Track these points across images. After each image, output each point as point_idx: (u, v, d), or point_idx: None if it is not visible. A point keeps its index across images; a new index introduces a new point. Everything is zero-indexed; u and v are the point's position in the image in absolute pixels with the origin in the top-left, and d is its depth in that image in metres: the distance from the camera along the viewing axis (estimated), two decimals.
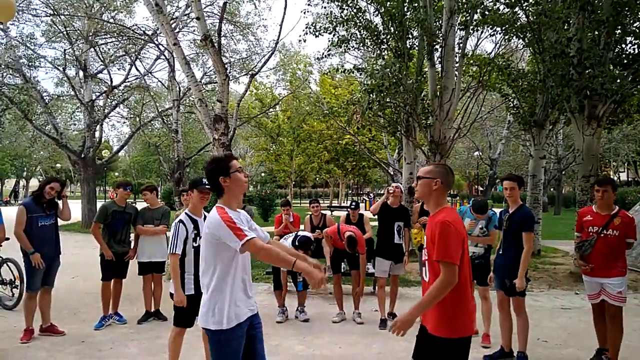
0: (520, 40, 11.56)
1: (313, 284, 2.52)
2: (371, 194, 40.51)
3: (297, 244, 5.84)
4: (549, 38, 9.24)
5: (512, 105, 12.30)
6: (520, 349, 4.57)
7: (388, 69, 10.07)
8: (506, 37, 11.11)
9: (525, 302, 4.69)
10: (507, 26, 9.98)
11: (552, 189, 34.12)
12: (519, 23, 9.99)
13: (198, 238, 3.96)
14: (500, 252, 4.71)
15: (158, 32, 16.52)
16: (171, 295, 4.12)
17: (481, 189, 30.86)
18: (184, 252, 4.05)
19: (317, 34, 11.77)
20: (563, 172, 28.84)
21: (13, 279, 6.51)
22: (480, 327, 5.34)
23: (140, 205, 6.44)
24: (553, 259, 11.16)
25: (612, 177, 40.01)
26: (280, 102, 27.92)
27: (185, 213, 4.19)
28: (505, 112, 18.80)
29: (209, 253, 2.71)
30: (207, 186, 4.05)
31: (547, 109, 10.98)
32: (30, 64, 17.47)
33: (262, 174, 51.61)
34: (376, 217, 6.28)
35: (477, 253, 5.29)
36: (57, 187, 5.27)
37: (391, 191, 6.14)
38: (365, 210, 24.48)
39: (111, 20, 17.89)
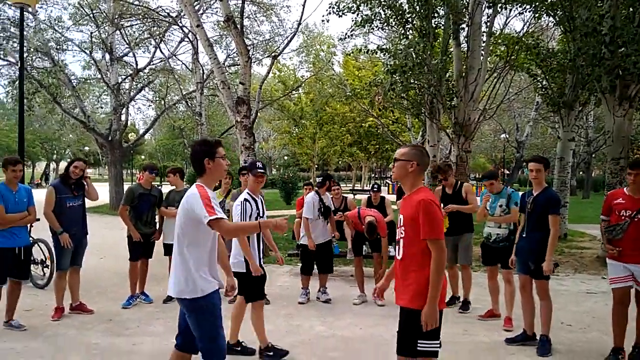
0: (551, 18, 11.18)
1: (279, 227, 2.84)
2: (397, 179, 40.30)
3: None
4: (581, 15, 8.91)
5: (540, 85, 11.98)
6: (543, 332, 4.50)
7: (412, 49, 9.91)
8: (536, 15, 10.74)
9: (550, 286, 4.61)
10: (537, 3, 9.66)
11: (581, 172, 33.31)
12: (549, 0, 9.65)
13: (259, 217, 4.30)
14: (524, 235, 4.60)
15: (182, 14, 16.56)
16: (235, 274, 4.22)
17: (507, 172, 30.33)
18: None
19: (340, 13, 11.61)
20: (593, 155, 28.08)
21: (44, 259, 6.73)
22: (502, 311, 5.31)
23: (166, 188, 6.56)
24: (580, 243, 10.95)
25: None
26: (303, 85, 27.78)
27: (247, 193, 4.41)
28: (533, 93, 18.31)
29: (184, 225, 2.87)
30: (260, 170, 4.39)
31: (577, 89, 10.65)
32: (58, 47, 17.78)
33: (285, 157, 51.81)
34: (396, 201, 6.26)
35: (500, 235, 5.23)
36: (81, 166, 5.41)
37: None
38: (388, 193, 24.36)
39: (136, 2, 18.00)
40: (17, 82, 16.14)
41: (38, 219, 5.28)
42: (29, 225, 5.30)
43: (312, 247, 6.07)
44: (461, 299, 5.92)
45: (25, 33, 7.40)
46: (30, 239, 5.33)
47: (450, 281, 5.91)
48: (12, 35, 16.06)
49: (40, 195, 5.38)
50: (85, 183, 5.51)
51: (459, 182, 5.97)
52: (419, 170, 2.86)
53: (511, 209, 5.16)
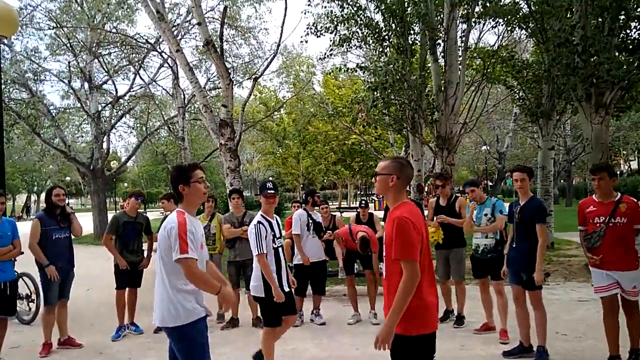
0: (523, 31, 11.47)
1: (225, 310, 3.10)
2: (380, 194, 40.43)
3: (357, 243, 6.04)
4: (552, 27, 9.16)
5: (517, 97, 12.22)
6: (540, 343, 4.51)
7: (391, 66, 10.04)
8: (509, 28, 11.02)
9: (542, 295, 4.62)
10: (509, 17, 9.91)
11: (562, 181, 33.86)
12: (521, 13, 9.91)
13: (274, 238, 4.28)
14: (514, 246, 4.62)
15: (160, 39, 16.59)
16: (255, 298, 4.34)
17: (490, 183, 30.69)
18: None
19: (318, 34, 11.77)
20: (573, 163, 28.60)
21: (29, 293, 6.55)
22: (497, 323, 5.30)
23: (152, 215, 6.48)
24: (567, 251, 11.05)
25: (619, 165, 39.61)
26: (284, 105, 27.93)
27: (260, 215, 4.36)
28: (511, 105, 18.67)
29: (166, 251, 2.82)
30: (270, 191, 4.31)
31: (553, 99, 10.88)
32: (35, 77, 17.64)
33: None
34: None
35: (488, 246, 5.24)
36: (61, 192, 5.32)
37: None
38: (375, 210, 24.40)
39: (113, 31, 18.00)
40: None
41: (22, 252, 5.15)
42: (13, 259, 5.17)
43: (306, 262, 5.94)
44: (455, 313, 5.90)
45: (1, 65, 7.31)
46: (15, 272, 5.20)
47: (443, 296, 5.89)
48: None
49: (23, 228, 5.25)
50: (71, 216, 5.40)
51: (454, 196, 5.96)
52: (400, 184, 2.73)
53: (497, 217, 5.20)
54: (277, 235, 4.33)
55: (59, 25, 17.04)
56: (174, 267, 2.80)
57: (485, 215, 5.27)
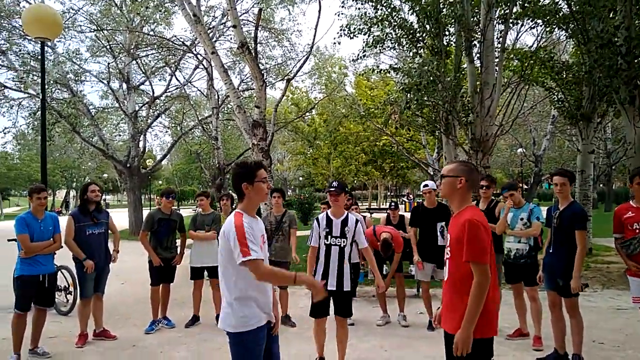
0: (563, 32, 11.15)
1: (315, 293, 2.78)
2: (410, 195, 40.02)
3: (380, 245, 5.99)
4: (594, 27, 8.88)
5: (556, 99, 11.89)
6: (575, 352, 4.37)
7: (425, 67, 9.93)
8: (548, 28, 10.74)
9: (579, 302, 4.48)
10: (548, 17, 9.66)
11: (601, 185, 32.71)
12: (561, 13, 9.64)
13: (329, 236, 4.41)
14: (551, 251, 4.47)
15: (196, 42, 16.92)
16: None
17: (526, 187, 29.95)
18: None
19: (351, 35, 11.75)
20: (613, 167, 27.61)
21: (67, 286, 6.79)
22: (530, 329, 5.17)
23: (185, 212, 6.61)
24: (606, 258, 10.68)
25: None
26: (316, 106, 28.02)
27: (326, 213, 4.54)
28: (549, 107, 18.17)
29: (226, 255, 2.71)
30: (331, 188, 4.40)
31: (594, 101, 10.54)
32: (76, 78, 18.23)
33: (300, 178, 51.93)
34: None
35: (520, 251, 5.11)
36: (96, 189, 5.47)
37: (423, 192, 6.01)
38: (405, 211, 24.17)
39: (151, 33, 18.45)
40: (37, 114, 16.66)
41: (62, 246, 5.33)
42: (53, 252, 5.36)
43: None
44: None
45: (45, 66, 7.59)
46: (55, 265, 5.39)
47: None
48: (32, 68, 16.55)
49: (63, 223, 5.44)
50: (108, 212, 5.57)
51: (494, 201, 5.74)
52: (468, 187, 2.70)
53: (533, 223, 5.06)
54: (335, 233, 4.39)
55: (99, 28, 17.58)
56: (232, 272, 2.70)
57: (521, 219, 5.15)
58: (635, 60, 7.99)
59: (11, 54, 16.70)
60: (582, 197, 11.21)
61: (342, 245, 4.39)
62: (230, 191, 8.42)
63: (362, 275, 7.34)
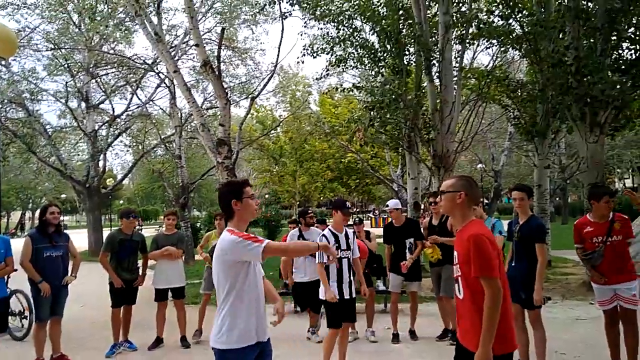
0: (517, 51, 11.64)
1: (333, 254, 2.97)
2: (376, 211, 40.36)
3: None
4: (546, 47, 9.30)
5: (512, 116, 12.32)
6: None
7: (387, 86, 10.15)
8: (502, 48, 11.18)
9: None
10: (502, 38, 10.06)
11: (557, 199, 33.93)
12: (514, 34, 10.08)
13: (339, 250, 4.72)
14: (513, 264, 4.59)
15: (158, 60, 16.73)
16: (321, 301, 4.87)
17: (486, 201, 30.76)
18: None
19: (314, 54, 11.91)
20: (568, 181, 28.71)
21: (22, 310, 6.49)
22: None
23: (147, 232, 6.45)
24: (564, 269, 11.04)
25: (614, 183, 39.83)
26: (281, 124, 28.07)
27: (329, 229, 4.93)
28: (506, 123, 18.83)
29: (221, 274, 2.73)
30: (349, 209, 4.85)
31: (548, 118, 10.98)
32: (32, 97, 17.67)
33: (266, 196, 51.61)
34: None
35: None
36: (56, 210, 5.28)
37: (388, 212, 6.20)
38: (371, 227, 24.33)
39: (111, 52, 18.15)
40: None
41: (15, 270, 5.11)
42: (5, 276, 5.12)
43: (290, 283, 6.43)
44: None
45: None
46: (8, 289, 5.14)
47: (440, 313, 5.87)
48: None
49: (17, 245, 5.21)
50: (67, 234, 5.39)
51: (445, 215, 5.90)
52: (468, 201, 2.67)
53: (495, 237, 5.18)
54: (343, 247, 4.78)
55: (56, 47, 17.17)
56: (229, 290, 2.71)
57: None
58: (585, 79, 8.40)
59: None
60: (539, 210, 11.57)
61: (349, 257, 4.83)
62: (202, 210, 8.18)
63: None
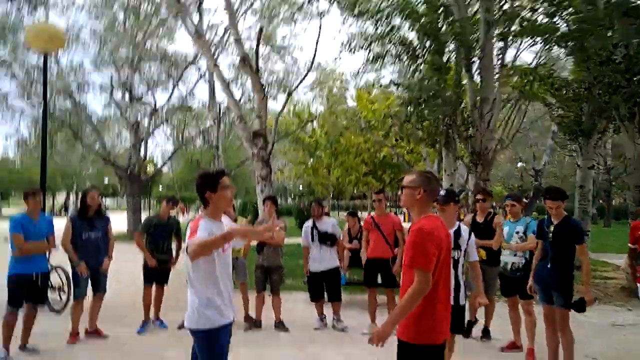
0: (562, 49, 11.25)
1: (260, 236, 2.92)
2: (405, 207, 39.94)
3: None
4: (593, 45, 8.95)
5: (556, 114, 11.94)
6: None
7: (425, 82, 10.02)
8: (546, 47, 10.82)
9: (575, 317, 4.49)
10: (547, 36, 9.74)
11: (601, 201, 32.69)
12: (559, 32, 9.73)
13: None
14: (549, 266, 4.46)
15: (199, 56, 17.07)
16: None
17: (525, 200, 29.98)
18: None
19: (352, 51, 11.85)
20: (613, 183, 27.62)
21: (61, 285, 6.90)
22: (524, 342, 5.18)
23: (183, 218, 6.66)
24: (603, 273, 10.68)
25: None
26: (317, 118, 28.14)
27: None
28: (549, 122, 18.25)
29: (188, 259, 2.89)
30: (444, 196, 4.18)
31: (594, 117, 10.58)
32: (79, 89, 18.42)
33: (300, 187, 51.95)
34: None
35: (516, 264, 5.13)
36: (96, 195, 5.57)
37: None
38: (405, 222, 24.19)
39: (154, 47, 18.64)
40: (40, 121, 16.79)
41: (55, 247, 5.41)
42: (47, 252, 5.44)
43: (305, 271, 6.37)
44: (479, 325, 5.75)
45: (48, 77, 7.78)
46: (49, 265, 5.47)
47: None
48: (36, 80, 16.73)
49: (60, 225, 5.49)
50: (109, 217, 5.66)
51: (492, 213, 5.71)
52: (427, 197, 2.76)
53: (529, 237, 5.08)
54: (454, 246, 3.94)
55: (102, 43, 17.80)
56: (194, 271, 2.89)
57: (517, 233, 5.18)
58: (635, 78, 8.06)
59: (15, 65, 16.87)
60: (581, 212, 11.20)
61: (455, 257, 4.08)
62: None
63: (344, 279, 7.30)
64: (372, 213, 6.54)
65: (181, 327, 6.06)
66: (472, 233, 4.44)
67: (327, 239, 6.21)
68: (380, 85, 13.33)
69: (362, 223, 7.23)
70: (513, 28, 9.84)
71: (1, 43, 16.23)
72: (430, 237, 2.61)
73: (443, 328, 2.68)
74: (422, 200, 2.76)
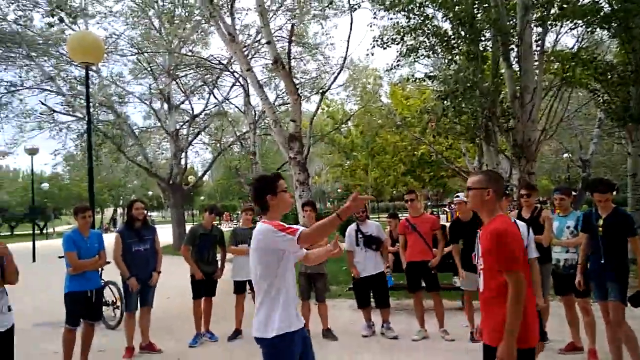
0: (605, 31, 10.73)
1: (355, 203, 2.55)
2: (452, 205, 39.22)
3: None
4: (638, 25, 8.49)
5: (602, 100, 11.41)
6: None
7: (462, 74, 9.77)
8: (589, 29, 10.35)
9: (634, 312, 4.26)
10: (589, 17, 9.31)
11: None
12: (602, 13, 9.28)
13: None
14: (602, 262, 4.28)
15: (232, 60, 17.30)
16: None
17: (574, 193, 28.85)
18: None
19: (384, 46, 11.69)
20: None
21: (115, 300, 7.01)
22: (584, 343, 4.92)
23: (225, 227, 6.70)
24: None
25: None
26: (351, 117, 28.03)
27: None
28: (595, 109, 17.49)
29: (258, 266, 2.78)
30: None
31: None
32: (120, 100, 19.02)
33: (338, 190, 51.90)
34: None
35: (569, 260, 4.89)
36: (140, 206, 5.64)
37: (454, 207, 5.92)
38: (447, 222, 23.71)
39: (189, 53, 19.03)
40: (85, 135, 17.43)
41: (108, 262, 5.51)
42: (100, 268, 5.55)
43: (356, 274, 6.08)
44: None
45: (90, 90, 7.99)
46: (102, 281, 5.57)
47: None
48: (78, 92, 17.36)
49: (109, 240, 5.62)
50: (155, 227, 5.75)
51: (538, 207, 5.45)
52: (495, 197, 2.69)
53: (580, 231, 4.84)
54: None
55: (140, 51, 18.30)
56: (270, 279, 2.75)
57: (568, 228, 4.94)
58: None
59: (59, 80, 17.57)
60: (634, 202, 10.66)
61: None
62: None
63: (391, 281, 7.13)
64: (407, 215, 6.39)
65: (231, 338, 6.12)
66: (530, 228, 4.26)
67: (372, 242, 6.09)
68: (415, 80, 13.09)
69: None
70: (552, 11, 9.46)
71: (46, 57, 16.89)
72: (513, 237, 2.57)
73: (536, 329, 2.61)
74: (491, 201, 2.69)
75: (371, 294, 6.29)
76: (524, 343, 2.52)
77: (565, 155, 26.48)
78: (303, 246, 2.75)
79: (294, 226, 2.71)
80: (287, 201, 2.88)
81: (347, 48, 18.33)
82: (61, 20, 13.10)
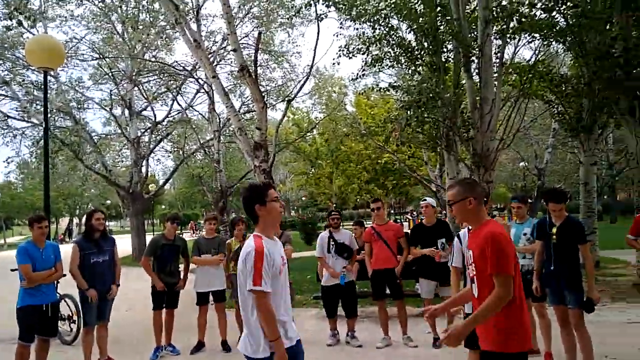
0: (561, 45, 11.21)
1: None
2: (414, 212, 39.81)
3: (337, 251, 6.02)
4: (591, 40, 8.91)
5: (556, 111, 11.88)
6: None
7: (424, 84, 9.97)
8: (545, 42, 10.78)
9: (589, 317, 4.42)
10: (545, 31, 9.70)
11: (605, 197, 32.53)
12: (557, 27, 9.69)
13: None
14: (552, 268, 4.48)
15: (197, 66, 17.08)
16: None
17: (530, 200, 29.84)
18: None
19: (350, 55, 11.83)
20: (616, 178, 27.51)
21: (71, 314, 6.73)
22: (540, 346, 5.07)
23: (187, 235, 6.57)
24: (613, 270, 10.55)
25: None
26: (317, 126, 28.16)
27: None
28: (549, 120, 18.20)
29: (244, 280, 2.69)
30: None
31: (594, 112, 10.52)
32: (79, 106, 18.42)
33: (303, 198, 51.87)
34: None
35: (526, 267, 5.03)
36: (101, 216, 5.42)
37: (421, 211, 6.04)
38: (409, 229, 24.05)
39: (153, 59, 18.68)
40: (41, 142, 16.77)
41: (64, 275, 5.29)
42: (55, 281, 5.32)
43: (334, 275, 6.00)
44: None
45: (47, 95, 7.69)
46: (57, 294, 5.34)
47: None
48: (35, 97, 16.73)
49: (65, 251, 5.40)
50: (114, 238, 5.56)
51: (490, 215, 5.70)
52: (478, 203, 2.69)
53: (535, 239, 5.02)
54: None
55: (101, 56, 17.83)
56: (251, 296, 2.67)
57: (525, 234, 5.10)
58: (634, 71, 8.00)
59: (14, 84, 16.88)
60: (586, 209, 11.11)
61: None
62: (240, 214, 8.10)
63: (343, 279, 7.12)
64: (372, 223, 6.43)
65: (194, 351, 5.97)
66: None
67: (344, 250, 6.09)
68: (379, 89, 13.27)
69: None
70: (511, 25, 9.81)
71: (0, 60, 16.22)
72: (507, 241, 2.58)
73: (529, 333, 2.64)
74: (475, 208, 2.70)
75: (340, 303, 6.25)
76: (523, 347, 2.55)
77: (522, 164, 27.42)
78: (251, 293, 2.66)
79: (265, 280, 2.61)
80: (277, 211, 2.80)
81: (314, 57, 18.46)
82: (19, 23, 12.57)
